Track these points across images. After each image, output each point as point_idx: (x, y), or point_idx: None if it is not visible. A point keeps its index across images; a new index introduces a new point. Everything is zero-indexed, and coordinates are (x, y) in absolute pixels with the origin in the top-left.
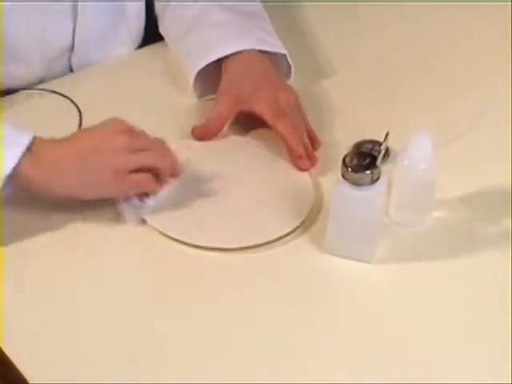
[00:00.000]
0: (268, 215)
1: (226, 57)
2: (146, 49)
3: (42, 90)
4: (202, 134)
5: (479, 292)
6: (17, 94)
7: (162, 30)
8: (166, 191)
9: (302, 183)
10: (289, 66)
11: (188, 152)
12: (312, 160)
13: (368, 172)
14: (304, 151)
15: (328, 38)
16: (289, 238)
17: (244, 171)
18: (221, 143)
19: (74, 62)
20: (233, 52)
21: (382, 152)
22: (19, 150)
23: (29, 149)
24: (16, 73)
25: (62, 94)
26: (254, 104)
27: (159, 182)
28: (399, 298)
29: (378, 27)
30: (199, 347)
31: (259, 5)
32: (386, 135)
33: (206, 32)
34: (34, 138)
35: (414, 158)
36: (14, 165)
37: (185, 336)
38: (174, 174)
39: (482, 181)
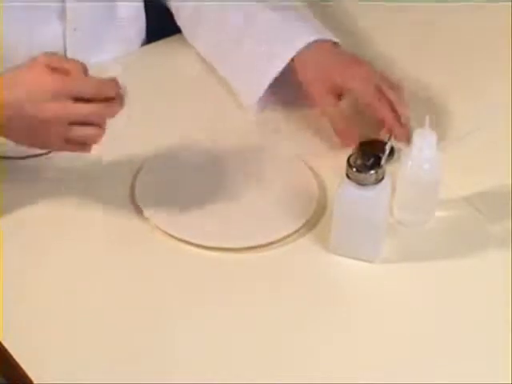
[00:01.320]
0: (272, 215)
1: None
2: (149, 47)
3: None
4: (346, 138)
5: (482, 291)
6: None
7: (182, 26)
8: None
9: (306, 183)
10: None
11: (211, 145)
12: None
13: (372, 172)
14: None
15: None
16: (293, 237)
17: (248, 171)
18: (224, 144)
19: None
20: (298, 50)
21: (387, 152)
22: None
23: None
24: None
25: None
26: (347, 80)
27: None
28: (403, 298)
29: (378, 27)
30: (201, 347)
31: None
32: (390, 136)
33: (259, 38)
34: None
35: (418, 157)
36: None
37: (186, 336)
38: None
39: (486, 180)
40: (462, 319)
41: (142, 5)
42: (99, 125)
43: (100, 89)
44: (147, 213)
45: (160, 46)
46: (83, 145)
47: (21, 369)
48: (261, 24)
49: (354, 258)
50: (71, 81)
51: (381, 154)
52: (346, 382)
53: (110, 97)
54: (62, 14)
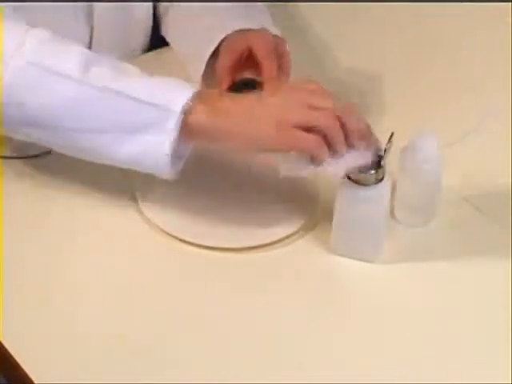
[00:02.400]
0: (272, 215)
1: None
2: (151, 54)
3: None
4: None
5: (482, 291)
6: None
7: (164, 31)
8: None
9: (306, 183)
10: None
11: None
12: None
13: (372, 172)
14: None
15: (329, 38)
16: (293, 237)
17: (247, 172)
18: None
19: None
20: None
21: (388, 152)
22: (189, 92)
23: (198, 93)
24: None
25: None
26: (250, 40)
27: (330, 149)
28: (403, 298)
29: (378, 27)
30: (201, 347)
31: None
32: (391, 136)
33: (208, 21)
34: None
35: (418, 157)
36: (184, 103)
37: (187, 336)
38: (351, 144)
39: (487, 180)
40: (462, 319)
41: (151, 5)
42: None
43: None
44: (148, 212)
45: (163, 53)
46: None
47: (21, 369)
48: (212, 11)
49: (355, 258)
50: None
51: (381, 154)
52: (347, 382)
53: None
54: (89, 19)
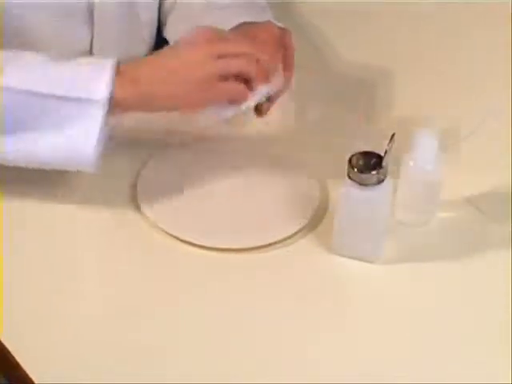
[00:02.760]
0: (274, 215)
1: None
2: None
3: None
4: None
5: (483, 291)
6: None
7: (167, 33)
8: (255, 99)
9: (307, 183)
10: None
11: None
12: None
13: (374, 172)
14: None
15: (330, 38)
16: (294, 238)
17: (249, 172)
18: (226, 144)
19: None
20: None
21: (389, 152)
22: (109, 73)
23: (118, 69)
24: None
25: None
26: (255, 31)
27: (249, 89)
28: (405, 298)
29: (378, 27)
30: (202, 348)
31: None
32: (392, 136)
33: (210, 20)
34: (117, 61)
35: (419, 158)
36: (106, 91)
37: (188, 336)
38: (266, 79)
39: (488, 181)
40: (462, 319)
41: (157, 6)
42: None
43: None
44: (148, 212)
45: None
46: (235, 83)
47: (21, 369)
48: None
49: (356, 259)
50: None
51: (382, 155)
52: (347, 382)
53: None
54: (90, 18)
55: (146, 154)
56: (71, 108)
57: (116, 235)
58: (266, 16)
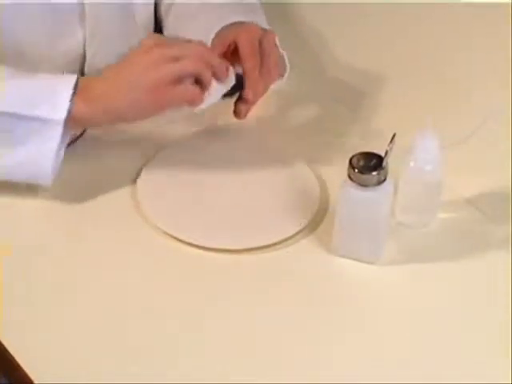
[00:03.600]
0: (274, 216)
1: None
2: None
3: None
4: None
5: (484, 292)
6: None
7: (166, 32)
8: (209, 100)
9: (307, 184)
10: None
11: (212, 146)
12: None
13: (374, 173)
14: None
15: (330, 39)
16: (295, 239)
17: (250, 172)
18: (226, 144)
19: (88, 71)
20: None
21: (389, 153)
22: (68, 92)
23: (77, 86)
24: None
25: None
26: (236, 35)
27: (203, 89)
28: (405, 299)
29: (379, 28)
30: (202, 348)
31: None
32: (393, 137)
33: (204, 20)
34: (77, 79)
35: (419, 159)
36: (65, 109)
37: (188, 337)
38: (220, 77)
39: (489, 182)
40: (462, 319)
41: (153, 6)
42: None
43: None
44: (148, 213)
45: None
46: (190, 87)
47: (21, 369)
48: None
49: (356, 260)
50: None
51: (383, 155)
52: (347, 383)
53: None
54: (82, 19)
55: (145, 154)
56: (30, 126)
57: (116, 235)
58: (259, 16)
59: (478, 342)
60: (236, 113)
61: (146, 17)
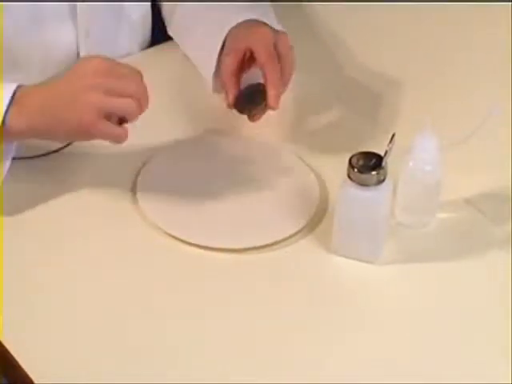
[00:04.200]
0: (273, 216)
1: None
2: (153, 49)
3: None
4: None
5: (484, 292)
6: None
7: (171, 32)
8: None
9: (307, 183)
10: None
11: (212, 146)
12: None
13: (374, 173)
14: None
15: (331, 39)
16: (294, 238)
17: (249, 171)
18: (226, 144)
19: None
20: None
21: (389, 153)
22: (5, 101)
23: (14, 97)
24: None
25: None
26: (251, 42)
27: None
28: (404, 299)
29: (379, 28)
30: (202, 348)
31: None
32: (392, 136)
33: (212, 19)
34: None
35: (419, 159)
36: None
37: (188, 337)
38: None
39: (489, 182)
40: (462, 319)
41: (149, 5)
42: (137, 98)
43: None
44: (148, 212)
45: (166, 47)
46: (117, 127)
47: (21, 369)
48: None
49: (356, 259)
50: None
51: (382, 155)
52: (347, 382)
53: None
54: (74, 20)
55: (145, 154)
56: None
57: (115, 235)
58: (268, 14)
59: (478, 341)
60: (253, 118)
61: (141, 15)
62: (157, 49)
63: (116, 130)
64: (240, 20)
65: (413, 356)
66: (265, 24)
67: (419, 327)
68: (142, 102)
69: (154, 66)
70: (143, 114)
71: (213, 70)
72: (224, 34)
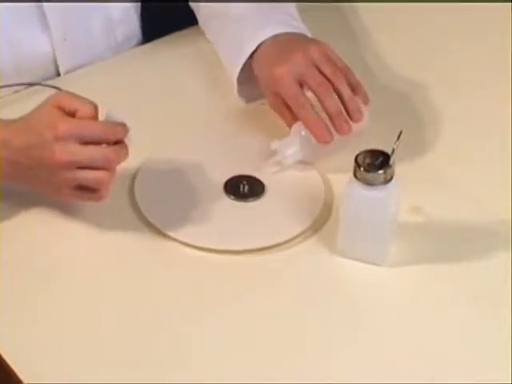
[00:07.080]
0: (278, 216)
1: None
2: (148, 46)
3: (46, 85)
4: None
5: (483, 292)
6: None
7: (201, 24)
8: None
9: (312, 183)
10: None
11: (212, 146)
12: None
13: (381, 171)
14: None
15: (329, 39)
16: (299, 239)
17: (253, 172)
18: (226, 144)
19: (63, 70)
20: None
21: (396, 151)
22: None
23: None
24: None
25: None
26: (279, 89)
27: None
28: (410, 301)
29: (378, 28)
30: (202, 349)
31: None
32: (399, 134)
33: (228, 33)
34: None
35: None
36: None
37: (188, 338)
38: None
39: (488, 181)
40: (463, 319)
41: (133, 5)
42: (108, 169)
43: (108, 132)
44: (147, 214)
45: (155, 46)
46: (93, 191)
47: (12, 370)
48: (230, 17)
49: (361, 261)
50: (78, 124)
51: (389, 153)
52: (349, 383)
53: (119, 140)
54: (45, 27)
55: (143, 154)
56: None
57: (114, 237)
58: (298, 23)
59: (478, 341)
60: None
61: (122, 10)
62: (152, 46)
63: (91, 197)
64: (271, 34)
65: (416, 356)
66: (291, 46)
67: (424, 329)
68: (114, 165)
69: (150, 63)
70: (141, 116)
71: (236, 75)
72: (250, 50)
